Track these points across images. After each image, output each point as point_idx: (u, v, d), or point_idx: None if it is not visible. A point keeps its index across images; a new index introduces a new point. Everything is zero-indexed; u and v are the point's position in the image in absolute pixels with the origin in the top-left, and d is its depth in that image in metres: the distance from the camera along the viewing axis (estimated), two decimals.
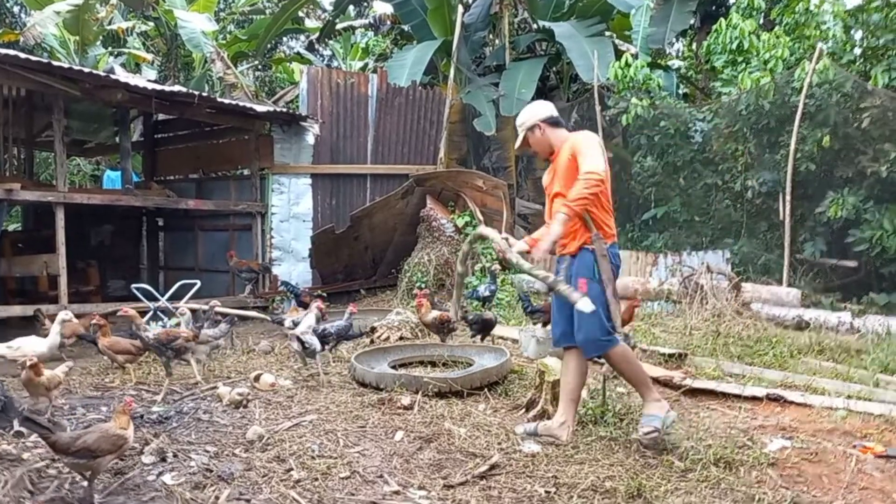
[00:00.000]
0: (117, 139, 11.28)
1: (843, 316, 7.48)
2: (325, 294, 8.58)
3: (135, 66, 16.06)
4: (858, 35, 9.91)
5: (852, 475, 3.68)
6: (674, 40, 15.29)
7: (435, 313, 6.56)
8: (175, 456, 3.89)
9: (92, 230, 11.28)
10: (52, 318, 7.11)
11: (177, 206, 9.79)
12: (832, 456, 3.95)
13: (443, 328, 6.53)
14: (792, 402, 4.92)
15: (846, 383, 5.36)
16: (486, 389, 5.15)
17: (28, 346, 5.30)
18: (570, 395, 4.23)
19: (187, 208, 9.94)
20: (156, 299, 7.54)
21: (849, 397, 4.94)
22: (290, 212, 9.94)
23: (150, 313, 7.39)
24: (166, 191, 10.55)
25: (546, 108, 4.30)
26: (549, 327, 6.69)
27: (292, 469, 3.71)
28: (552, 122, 4.24)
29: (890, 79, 8.92)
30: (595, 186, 3.85)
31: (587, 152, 3.95)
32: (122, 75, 9.55)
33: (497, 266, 8.26)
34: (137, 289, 7.59)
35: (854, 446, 4.08)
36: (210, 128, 10.59)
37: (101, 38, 15.42)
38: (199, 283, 7.82)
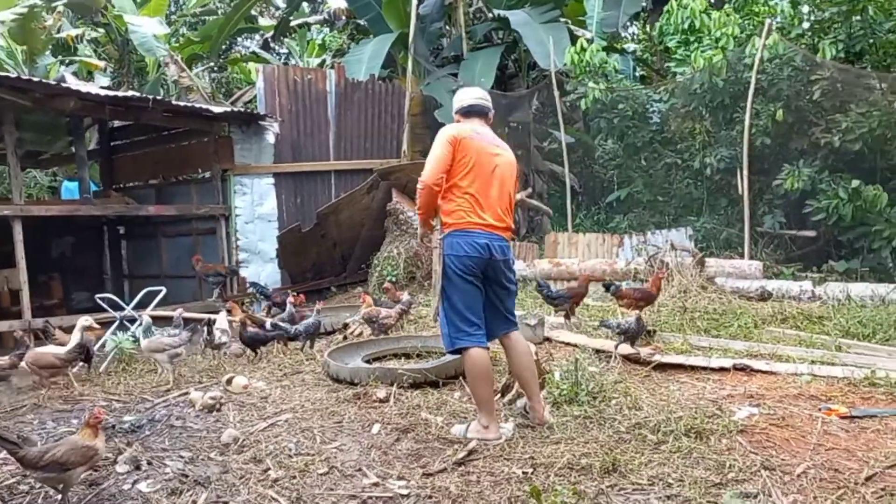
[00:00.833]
0: (73, 149, 11.08)
1: (804, 285, 7.66)
2: (297, 292, 8.53)
3: (87, 74, 15.75)
4: (805, 9, 10.12)
5: (819, 437, 3.78)
6: (627, 23, 15.42)
7: (367, 310, 6.72)
8: (149, 463, 3.85)
9: (52, 242, 11.06)
10: (33, 332, 7.06)
11: (137, 213, 9.64)
12: (799, 420, 4.06)
13: (372, 323, 6.60)
14: (758, 371, 5.03)
15: (809, 349, 5.51)
16: (461, 378, 5.18)
17: None
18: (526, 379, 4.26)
19: (148, 215, 9.80)
20: (121, 309, 7.43)
21: (812, 363, 5.08)
22: (255, 213, 9.84)
23: (116, 323, 7.28)
24: (126, 198, 10.39)
25: (459, 99, 4.31)
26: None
27: (270, 469, 3.71)
28: (464, 113, 4.25)
29: (837, 51, 9.13)
30: (422, 195, 4.04)
31: (428, 157, 4.08)
32: (73, 83, 9.37)
33: None
34: (102, 299, 7.48)
35: (819, 409, 4.19)
36: (167, 132, 10.43)
37: (49, 46, 15.08)
38: (164, 289, 7.72)
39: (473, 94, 4.33)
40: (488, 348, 4.08)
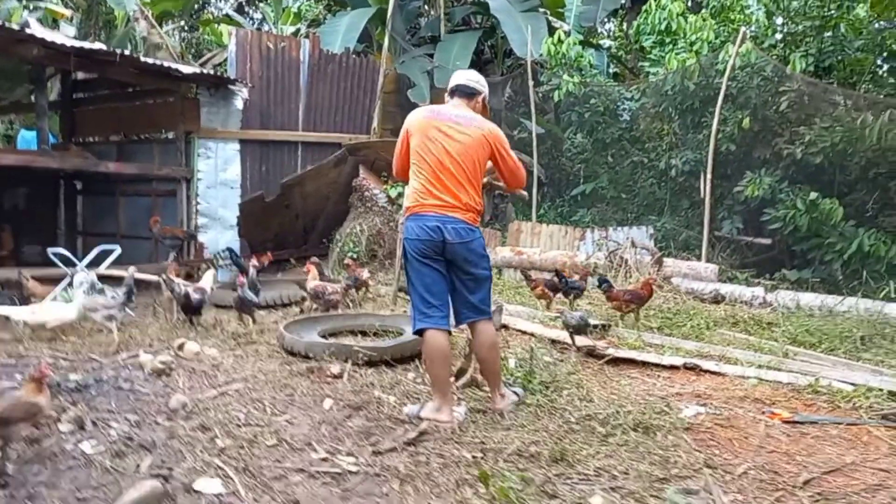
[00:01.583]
0: (33, 97, 10.71)
1: (756, 290, 7.83)
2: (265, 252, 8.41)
3: (52, 22, 15.18)
4: (779, 21, 10.27)
5: (761, 439, 3.88)
6: (605, 19, 15.50)
7: (314, 283, 6.64)
8: (94, 424, 3.78)
9: (5, 193, 10.72)
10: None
11: (96, 168, 9.36)
12: (743, 421, 4.16)
13: (318, 299, 6.57)
14: (707, 371, 5.15)
15: (758, 354, 5.63)
16: (416, 359, 5.18)
17: (58, 312, 5.57)
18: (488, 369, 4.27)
19: (108, 172, 9.53)
20: (74, 265, 7.25)
21: (760, 367, 5.20)
22: (218, 178, 9.66)
23: (67, 279, 7.10)
24: (85, 153, 10.08)
25: (450, 80, 4.37)
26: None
27: (217, 437, 3.66)
28: (449, 93, 4.32)
29: (807, 64, 9.31)
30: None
31: None
32: (38, 30, 9.03)
33: None
34: (55, 254, 7.29)
35: (763, 412, 4.30)
36: (133, 89, 10.15)
37: None
38: (118, 248, 7.55)
39: (463, 75, 4.35)
40: (449, 332, 4.08)
